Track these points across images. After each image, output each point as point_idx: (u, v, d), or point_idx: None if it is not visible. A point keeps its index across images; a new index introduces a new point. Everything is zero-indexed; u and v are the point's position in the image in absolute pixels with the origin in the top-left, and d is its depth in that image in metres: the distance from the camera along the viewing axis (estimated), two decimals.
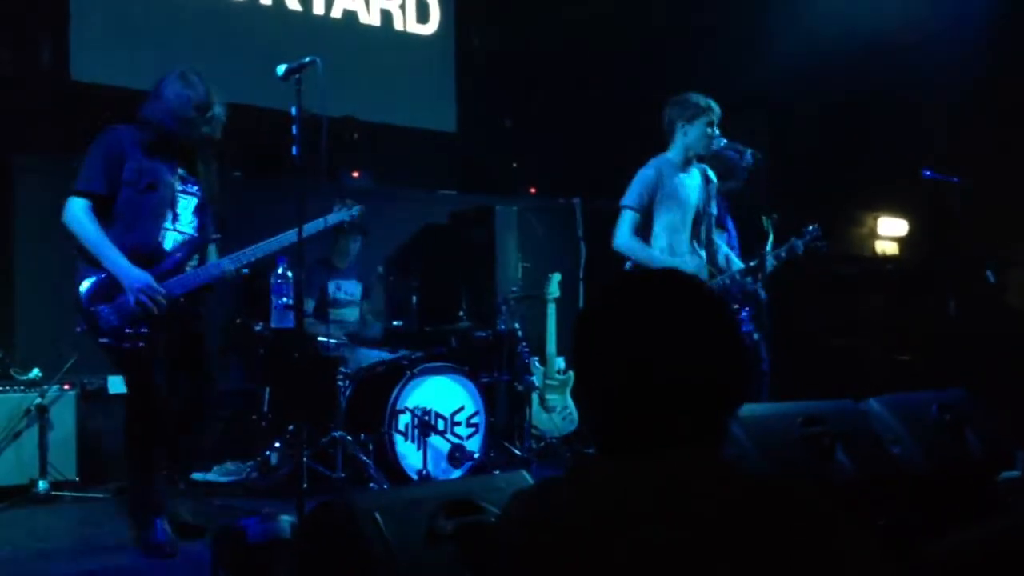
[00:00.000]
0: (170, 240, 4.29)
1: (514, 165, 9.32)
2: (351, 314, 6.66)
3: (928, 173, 6.10)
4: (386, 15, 8.62)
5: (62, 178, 6.71)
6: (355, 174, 8.16)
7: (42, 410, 5.68)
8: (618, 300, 1.49)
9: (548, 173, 9.15)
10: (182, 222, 4.33)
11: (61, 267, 6.49)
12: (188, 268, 4.32)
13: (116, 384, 6.26)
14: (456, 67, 8.98)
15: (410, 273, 7.02)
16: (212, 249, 4.51)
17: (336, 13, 8.30)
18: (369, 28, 8.50)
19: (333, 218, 4.90)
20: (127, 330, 4.11)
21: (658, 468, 1.38)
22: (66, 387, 5.87)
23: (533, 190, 9.28)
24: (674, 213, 5.32)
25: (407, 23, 8.74)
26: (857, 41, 7.63)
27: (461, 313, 6.86)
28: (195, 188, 4.37)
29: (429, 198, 8.54)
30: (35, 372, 5.90)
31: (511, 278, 7.53)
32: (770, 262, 5.37)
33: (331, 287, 6.53)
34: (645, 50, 8.47)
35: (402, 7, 8.71)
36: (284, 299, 4.28)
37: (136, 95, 6.94)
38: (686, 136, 5.38)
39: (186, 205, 4.34)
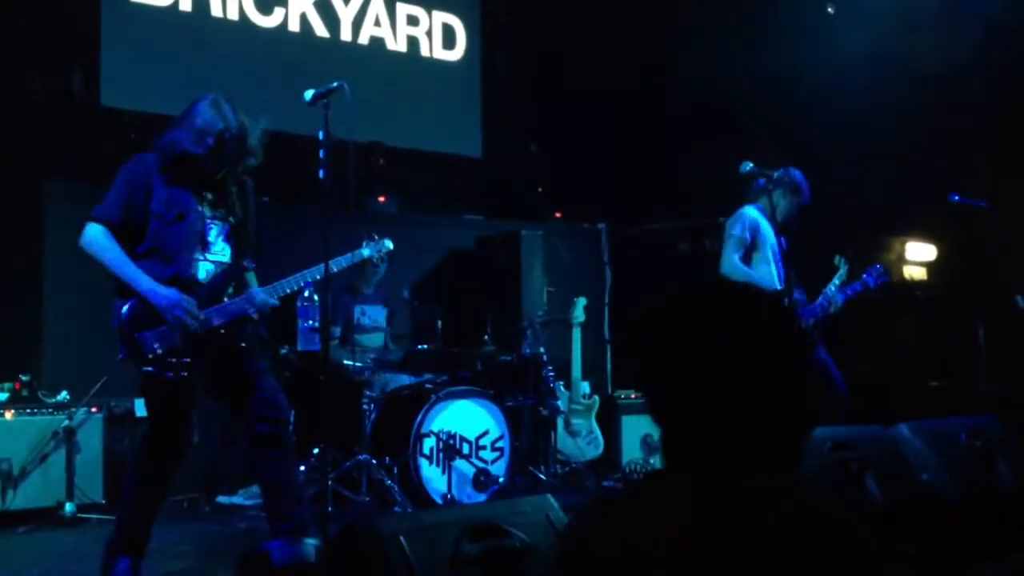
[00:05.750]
0: (203, 270, 4.16)
1: (540, 190, 9.34)
2: (375, 340, 6.67)
3: (956, 198, 6.05)
4: (412, 42, 8.68)
5: (92, 204, 6.82)
6: (382, 199, 8.21)
7: (69, 433, 5.72)
8: (699, 311, 1.46)
9: (574, 198, 9.17)
10: (213, 251, 4.20)
11: (89, 292, 6.56)
12: (225, 298, 4.18)
13: (143, 407, 6.29)
14: (482, 93, 9.03)
15: (436, 297, 7.04)
16: (251, 277, 4.38)
17: (363, 39, 8.37)
18: (396, 54, 8.57)
19: (364, 252, 4.87)
20: (171, 359, 4.00)
21: (736, 486, 1.35)
22: (93, 410, 5.91)
23: (559, 215, 9.30)
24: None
25: (433, 50, 8.80)
26: (884, 65, 7.61)
27: (486, 337, 6.86)
28: (225, 214, 4.24)
29: (455, 223, 8.57)
30: (63, 395, 5.94)
31: (536, 302, 7.53)
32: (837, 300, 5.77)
33: (356, 311, 6.55)
34: (671, 78, 8.49)
35: (428, 34, 8.78)
36: (310, 322, 4.25)
37: (166, 120, 7.09)
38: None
39: (216, 233, 4.22)
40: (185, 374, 4.02)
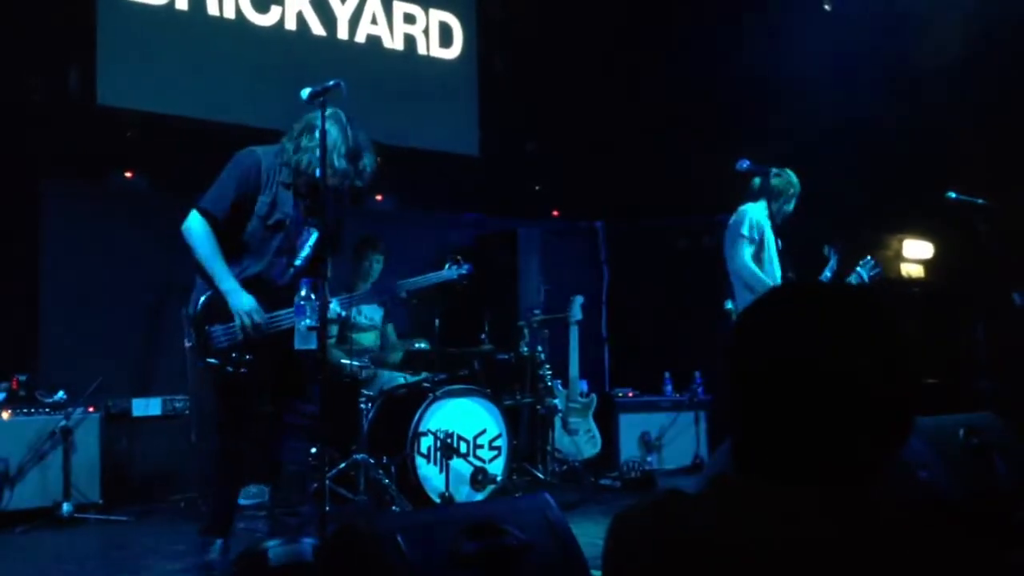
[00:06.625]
0: (286, 274, 4.40)
1: (537, 188, 9.34)
2: (370, 339, 6.66)
3: (953, 195, 6.05)
4: (409, 40, 8.67)
5: (88, 202, 6.84)
6: (379, 198, 8.20)
7: (66, 432, 5.72)
8: (788, 307, 1.39)
9: (571, 197, 9.17)
10: (299, 256, 4.42)
11: (86, 291, 6.58)
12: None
13: (140, 407, 6.30)
14: (479, 91, 9.01)
15: (433, 296, 7.03)
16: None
17: (360, 38, 8.35)
18: (393, 52, 8.55)
19: (445, 274, 5.13)
20: (234, 355, 4.25)
21: (823, 499, 1.27)
22: (90, 410, 5.91)
23: (556, 213, 9.30)
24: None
25: (430, 48, 8.79)
26: (883, 63, 7.62)
27: (483, 336, 6.85)
28: (318, 222, 4.40)
29: (452, 221, 8.57)
30: (60, 395, 5.94)
31: (534, 301, 7.53)
32: None
33: (352, 310, 6.54)
34: (669, 75, 8.48)
35: (425, 32, 8.76)
36: (307, 321, 4.28)
37: (162, 119, 7.09)
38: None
39: (306, 240, 4.43)
40: (244, 370, 4.26)
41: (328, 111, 4.21)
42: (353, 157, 4.29)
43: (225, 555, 4.38)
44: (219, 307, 4.25)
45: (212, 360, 4.27)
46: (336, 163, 4.24)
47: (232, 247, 4.30)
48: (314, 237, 4.43)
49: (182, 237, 4.28)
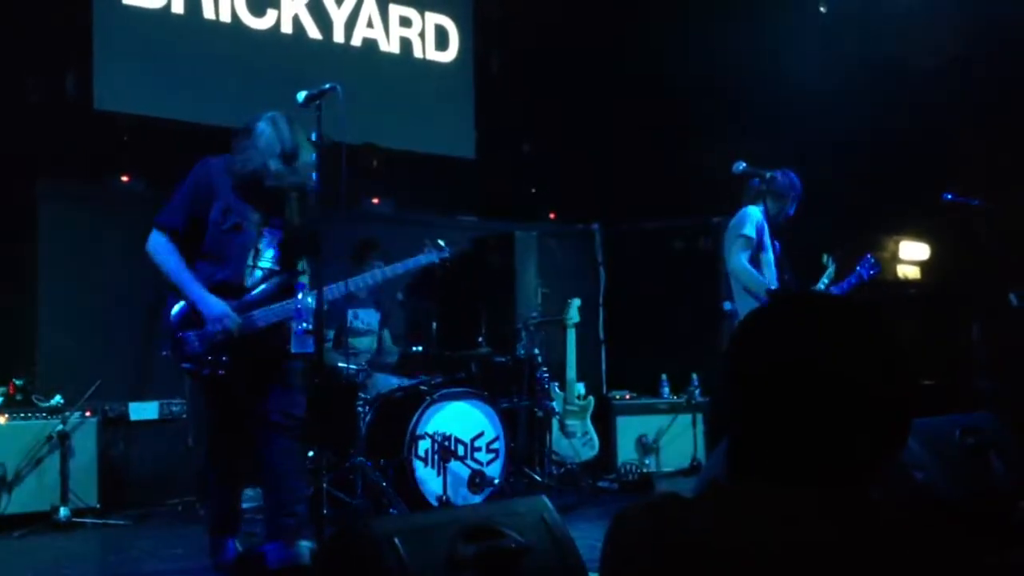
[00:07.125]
0: (252, 277, 4.42)
1: (533, 191, 9.34)
2: (367, 343, 6.65)
3: (949, 196, 6.05)
4: (405, 43, 8.67)
5: (85, 205, 6.83)
6: (375, 201, 8.20)
7: (64, 437, 5.71)
8: (788, 311, 1.39)
9: (568, 199, 9.17)
10: (264, 258, 4.45)
11: (83, 294, 6.57)
12: (272, 302, 4.42)
13: (137, 411, 6.29)
14: (475, 94, 9.02)
15: (430, 299, 7.03)
16: (304, 281, 4.57)
17: (356, 41, 8.36)
18: (389, 56, 8.56)
19: (423, 259, 5.04)
20: (208, 357, 4.29)
21: (822, 501, 1.27)
22: (87, 414, 5.90)
23: (553, 215, 9.30)
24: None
25: (426, 51, 8.79)
26: (881, 64, 7.63)
27: (481, 338, 6.85)
28: (279, 223, 4.46)
29: (449, 224, 8.56)
30: (57, 399, 5.93)
31: (531, 303, 7.52)
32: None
33: (348, 315, 6.53)
34: (666, 77, 8.49)
35: (421, 35, 8.77)
36: (304, 325, 4.29)
37: (159, 123, 7.09)
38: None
39: (268, 242, 4.45)
40: (221, 372, 4.30)
41: (269, 113, 4.35)
42: (288, 159, 4.31)
43: (237, 554, 4.45)
44: (192, 315, 4.31)
45: (185, 365, 4.35)
46: (271, 165, 4.27)
47: (196, 256, 4.37)
48: (278, 238, 4.47)
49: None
